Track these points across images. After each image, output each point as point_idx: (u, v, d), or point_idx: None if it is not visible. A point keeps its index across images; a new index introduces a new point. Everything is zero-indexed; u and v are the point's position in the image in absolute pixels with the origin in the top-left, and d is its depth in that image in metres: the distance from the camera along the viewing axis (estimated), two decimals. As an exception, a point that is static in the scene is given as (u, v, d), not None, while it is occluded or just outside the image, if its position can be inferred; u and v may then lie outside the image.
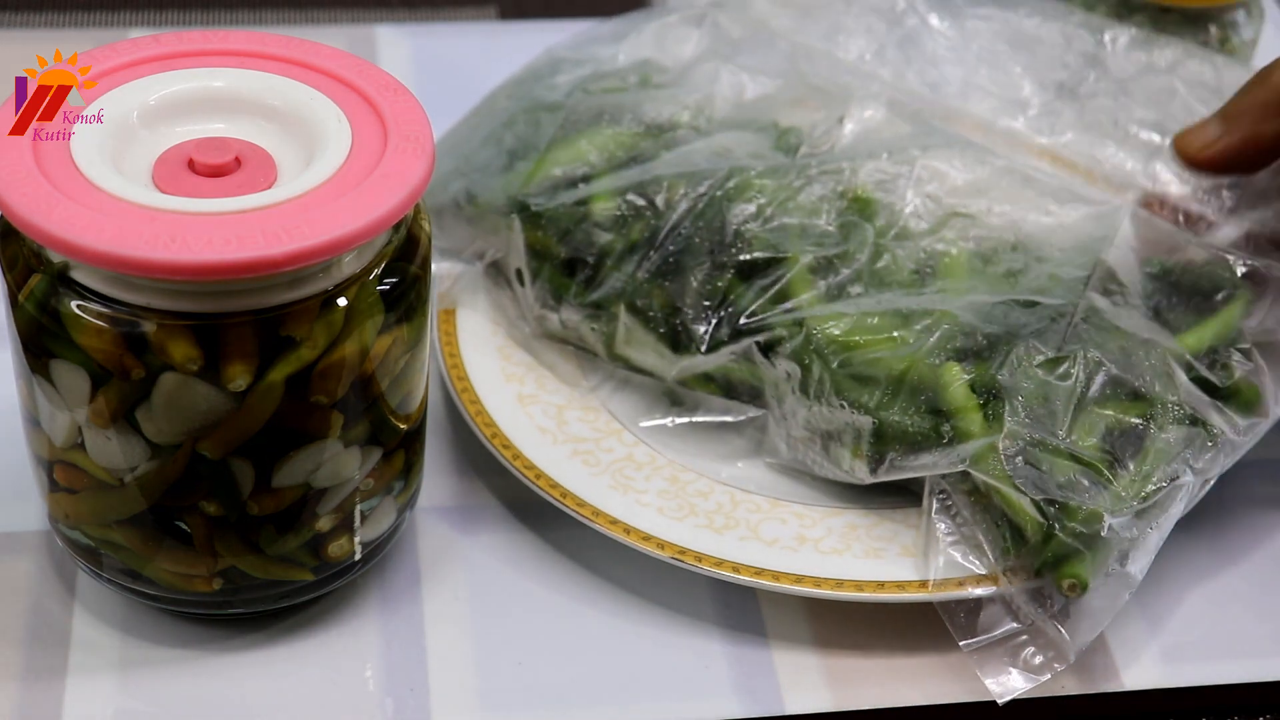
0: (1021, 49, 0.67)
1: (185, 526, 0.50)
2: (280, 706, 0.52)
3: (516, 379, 0.61)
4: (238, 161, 0.48)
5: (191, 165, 0.48)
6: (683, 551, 0.55)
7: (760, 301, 0.58)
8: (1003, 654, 0.53)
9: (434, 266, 0.64)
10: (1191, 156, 0.57)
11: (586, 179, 0.62)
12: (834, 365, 0.56)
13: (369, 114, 0.50)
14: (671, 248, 0.60)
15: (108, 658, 0.53)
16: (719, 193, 0.60)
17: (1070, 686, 0.55)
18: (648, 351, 0.60)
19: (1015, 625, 0.54)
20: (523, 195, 0.62)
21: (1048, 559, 0.53)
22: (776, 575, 0.54)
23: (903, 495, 0.58)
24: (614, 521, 0.55)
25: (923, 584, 0.54)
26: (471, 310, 0.63)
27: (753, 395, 0.59)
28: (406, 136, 0.49)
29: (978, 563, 0.54)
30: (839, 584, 0.54)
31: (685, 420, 0.61)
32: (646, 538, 0.55)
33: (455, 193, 0.64)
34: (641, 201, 0.60)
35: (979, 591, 0.54)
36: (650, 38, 0.68)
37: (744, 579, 0.54)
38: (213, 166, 0.48)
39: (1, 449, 0.58)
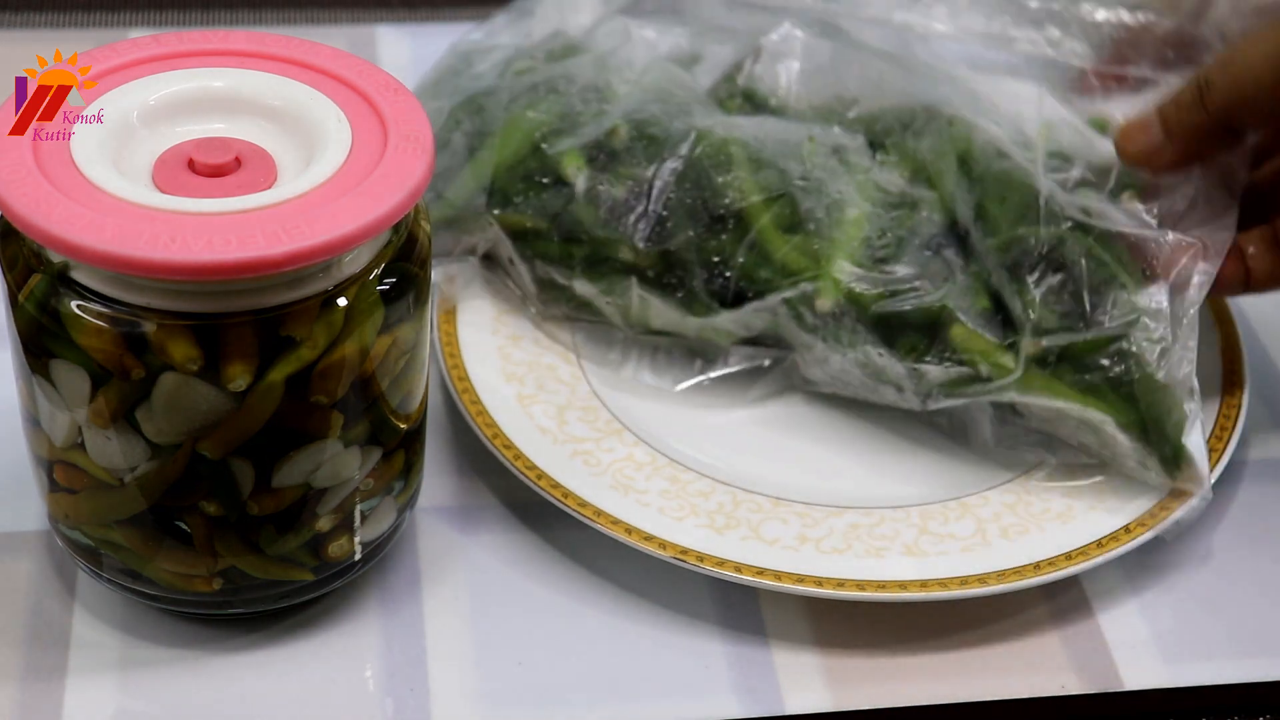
0: None
1: (185, 526, 0.50)
2: (280, 706, 0.52)
3: (517, 379, 0.61)
4: (238, 161, 0.48)
5: (191, 165, 0.48)
6: (684, 552, 0.55)
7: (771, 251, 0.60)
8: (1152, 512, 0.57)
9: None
10: (1133, 158, 0.59)
11: (549, 146, 0.62)
12: (865, 318, 0.58)
13: (369, 114, 0.50)
14: (665, 213, 0.60)
15: (108, 658, 0.53)
16: (696, 153, 0.61)
17: (1070, 686, 0.55)
18: (668, 316, 0.61)
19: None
20: (497, 186, 0.62)
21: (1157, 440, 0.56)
22: (778, 575, 0.54)
23: (903, 494, 0.58)
24: (615, 522, 0.55)
25: (924, 584, 0.54)
26: (471, 310, 0.63)
27: (776, 340, 0.61)
28: (406, 136, 0.49)
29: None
30: (840, 584, 0.54)
31: (718, 373, 0.62)
32: (648, 538, 0.55)
33: (425, 202, 0.64)
34: (616, 168, 0.61)
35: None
36: (551, 11, 0.69)
37: (745, 579, 0.54)
38: (213, 166, 0.48)
39: (1, 449, 0.58)
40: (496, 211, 0.62)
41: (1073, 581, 0.58)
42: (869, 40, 0.65)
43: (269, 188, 0.48)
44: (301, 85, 0.50)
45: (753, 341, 0.62)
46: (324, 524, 0.52)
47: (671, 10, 0.68)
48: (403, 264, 0.49)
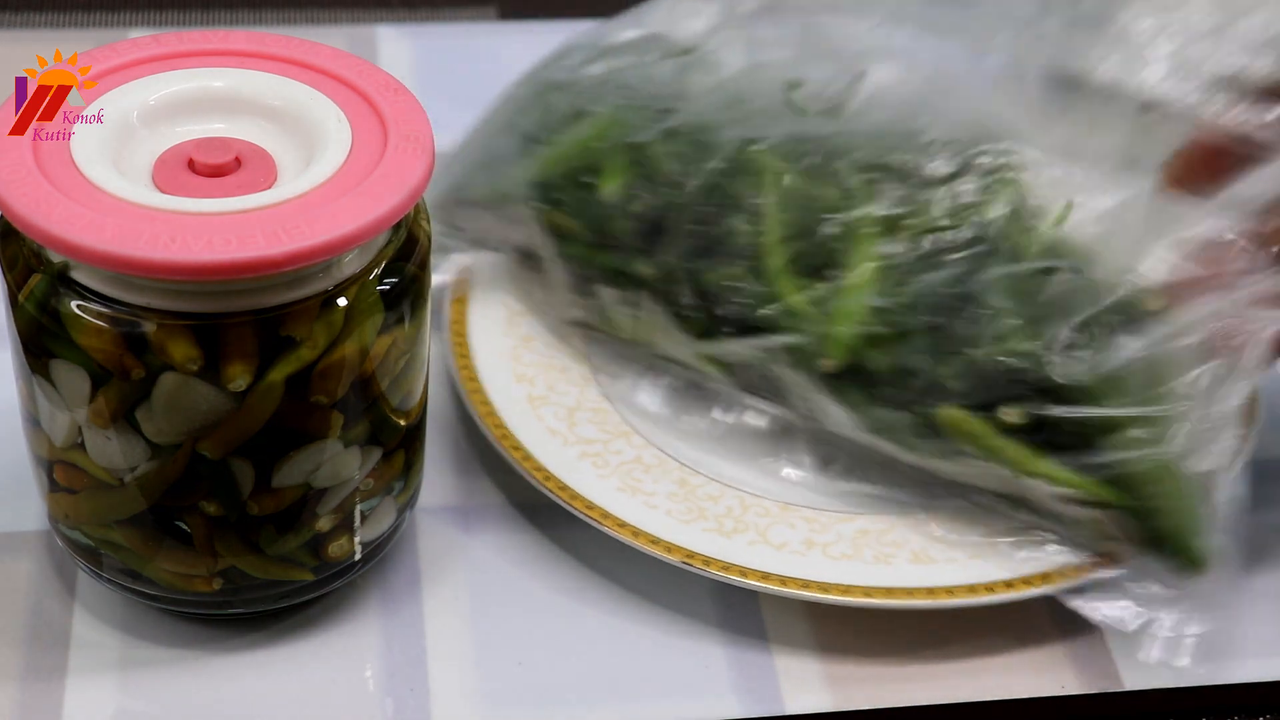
0: None
1: (185, 526, 0.50)
2: (280, 706, 0.52)
3: (527, 380, 0.61)
4: (238, 161, 0.48)
5: (191, 165, 0.48)
6: (691, 555, 0.54)
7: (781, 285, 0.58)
8: (1157, 638, 0.54)
9: (458, 257, 0.64)
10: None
11: (599, 157, 0.61)
12: (866, 369, 0.56)
13: (369, 114, 0.50)
14: (689, 227, 0.59)
15: (108, 658, 0.53)
16: (730, 165, 0.59)
17: (1070, 686, 0.55)
18: (672, 337, 0.60)
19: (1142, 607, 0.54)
20: (541, 180, 0.62)
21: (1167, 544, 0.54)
22: (783, 580, 0.54)
23: (916, 500, 0.58)
24: (622, 524, 0.55)
25: (930, 590, 0.54)
26: (484, 310, 0.63)
27: (774, 390, 0.59)
28: (406, 136, 0.49)
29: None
30: (846, 590, 0.54)
31: (704, 420, 0.61)
32: (655, 540, 0.55)
33: (480, 184, 0.64)
34: (653, 176, 0.60)
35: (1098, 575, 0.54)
36: (661, 15, 0.68)
37: (751, 584, 0.54)
38: (213, 166, 0.48)
39: (1, 449, 0.58)
40: (536, 204, 0.62)
41: (1073, 582, 0.58)
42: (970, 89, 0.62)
43: (269, 188, 0.48)
44: (301, 85, 0.50)
45: (750, 389, 0.60)
46: (324, 524, 0.52)
47: (788, 32, 0.66)
48: (402, 264, 0.49)
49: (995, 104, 0.61)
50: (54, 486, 0.52)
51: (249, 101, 0.50)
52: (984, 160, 0.58)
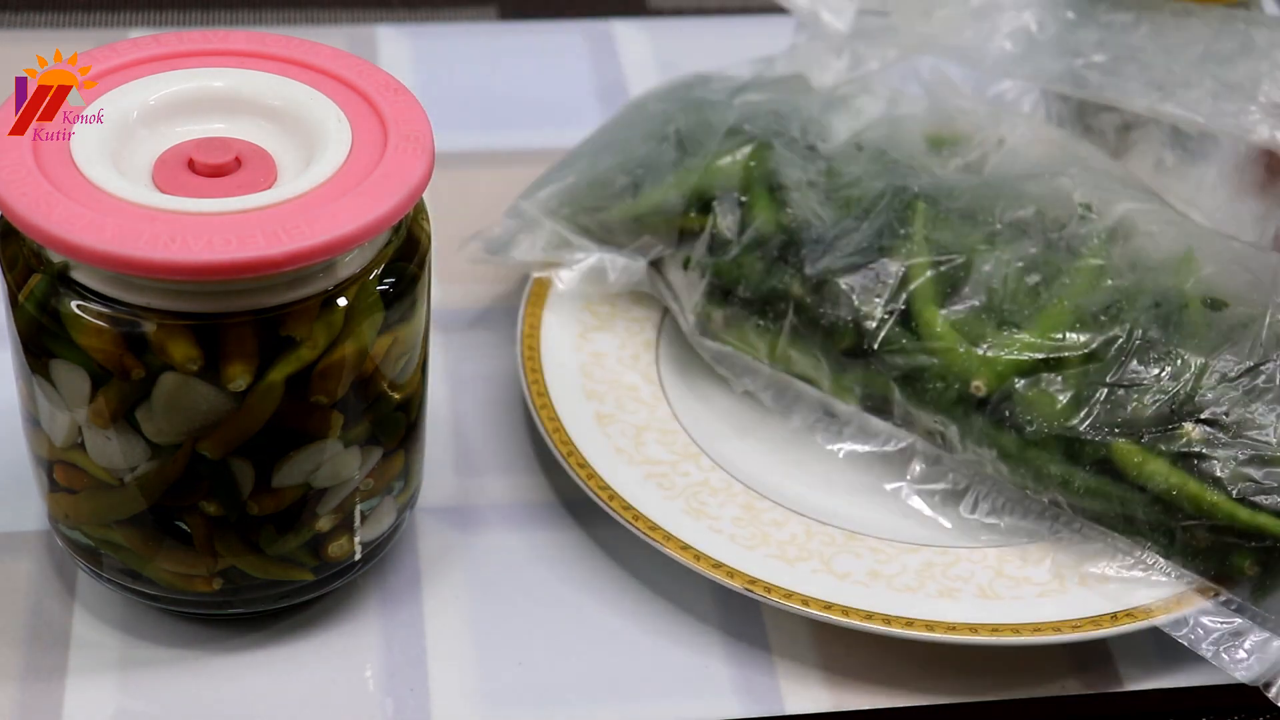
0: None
1: (185, 526, 0.50)
2: (280, 706, 0.52)
3: (597, 397, 0.60)
4: (238, 161, 0.48)
5: (191, 165, 0.48)
6: (752, 582, 0.54)
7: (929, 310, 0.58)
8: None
9: (582, 256, 0.64)
10: None
11: (750, 178, 0.62)
12: (1015, 406, 0.56)
13: (369, 114, 0.50)
14: (835, 251, 0.59)
15: (108, 658, 0.53)
16: (879, 199, 0.60)
17: (1070, 686, 0.55)
18: (809, 357, 0.60)
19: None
20: (697, 193, 0.62)
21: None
22: (846, 611, 0.53)
23: (981, 534, 0.57)
24: (685, 547, 0.54)
25: (995, 628, 0.53)
26: (557, 324, 0.63)
27: (906, 419, 0.58)
28: (406, 136, 0.49)
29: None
30: (909, 623, 0.53)
31: (838, 448, 0.60)
32: (717, 565, 0.54)
33: (622, 188, 0.64)
34: (802, 201, 0.61)
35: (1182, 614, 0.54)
36: (794, 62, 0.69)
37: (813, 613, 0.53)
38: (213, 166, 0.48)
39: (1, 449, 0.58)
40: (692, 215, 0.62)
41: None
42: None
43: (269, 188, 0.48)
44: (301, 85, 0.50)
45: (879, 412, 0.59)
46: (324, 524, 0.52)
47: (917, 88, 0.68)
48: (403, 264, 0.49)
49: (1130, 166, 0.62)
50: (54, 486, 0.52)
51: (249, 101, 0.50)
52: (1119, 210, 0.59)
